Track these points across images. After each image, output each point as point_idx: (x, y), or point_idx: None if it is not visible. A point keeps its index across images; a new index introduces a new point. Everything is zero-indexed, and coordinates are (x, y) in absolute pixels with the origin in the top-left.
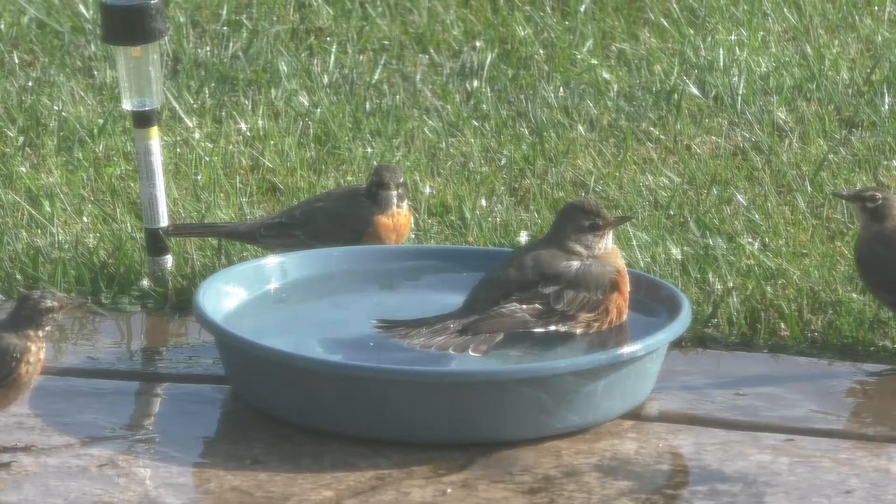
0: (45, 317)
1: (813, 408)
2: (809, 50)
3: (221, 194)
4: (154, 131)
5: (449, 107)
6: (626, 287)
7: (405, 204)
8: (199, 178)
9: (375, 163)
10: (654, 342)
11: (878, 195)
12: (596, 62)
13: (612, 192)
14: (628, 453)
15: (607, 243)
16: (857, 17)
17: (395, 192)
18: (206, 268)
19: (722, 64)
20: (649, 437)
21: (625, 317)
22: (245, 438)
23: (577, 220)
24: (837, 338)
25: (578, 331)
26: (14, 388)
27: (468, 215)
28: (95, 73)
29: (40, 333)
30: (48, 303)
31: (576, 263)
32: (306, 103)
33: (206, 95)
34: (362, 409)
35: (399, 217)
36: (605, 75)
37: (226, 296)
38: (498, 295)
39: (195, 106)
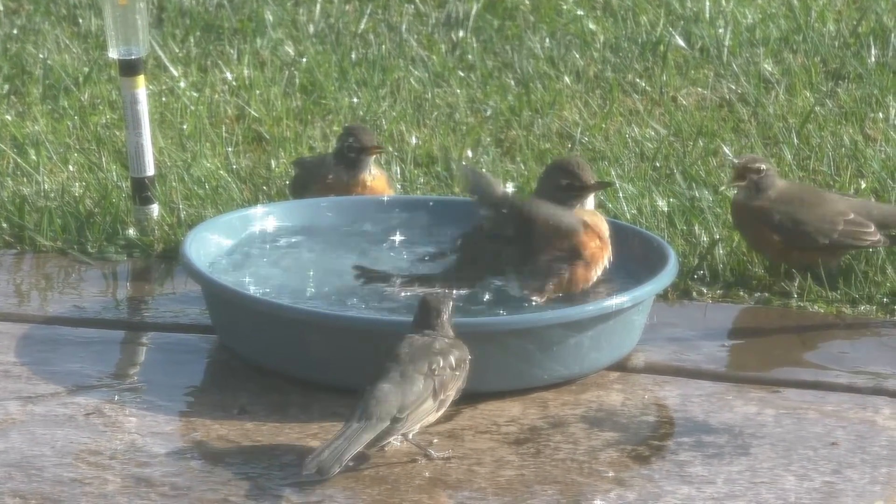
0: None
1: (799, 359)
2: (796, 1)
3: (207, 143)
4: (140, 80)
5: (435, 57)
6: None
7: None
8: (184, 127)
9: (361, 112)
10: (640, 293)
11: (763, 167)
12: (582, 13)
13: (599, 143)
14: (614, 405)
15: (584, 205)
16: None
17: (372, 158)
18: (192, 217)
19: (708, 15)
20: (635, 389)
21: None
22: (232, 388)
23: (556, 179)
24: (823, 289)
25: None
26: None
27: (454, 166)
28: (80, 20)
29: None
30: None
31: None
32: (292, 53)
33: (192, 44)
34: (350, 359)
35: (376, 182)
36: (591, 26)
37: (213, 245)
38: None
39: (180, 55)
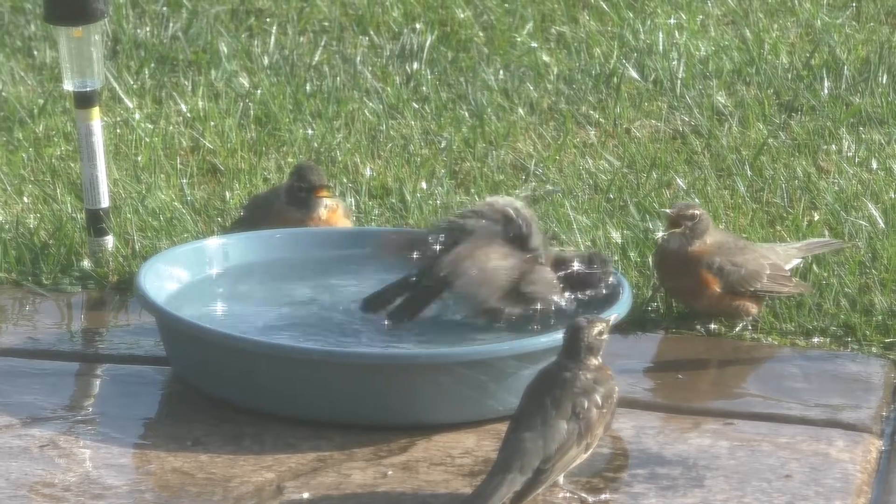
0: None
1: (753, 391)
2: (749, 34)
3: (162, 175)
4: (95, 112)
5: (389, 89)
6: None
7: (332, 202)
8: (139, 158)
9: (316, 144)
10: None
11: (697, 212)
12: (536, 45)
13: (553, 175)
14: None
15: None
16: (796, 2)
17: (325, 198)
18: (146, 248)
19: (661, 47)
20: None
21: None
22: (186, 420)
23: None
24: (777, 321)
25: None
26: None
27: (409, 198)
28: (35, 52)
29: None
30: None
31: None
32: (247, 84)
33: (146, 76)
34: (302, 391)
35: (332, 216)
36: (545, 58)
37: (167, 277)
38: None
39: (135, 87)
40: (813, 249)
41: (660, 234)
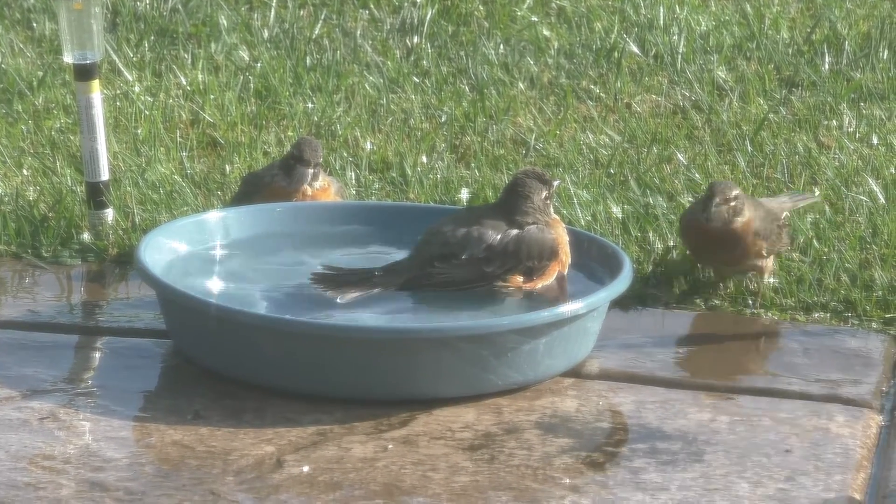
0: None
1: (753, 367)
2: (749, 9)
3: (162, 148)
4: (95, 84)
5: (389, 63)
6: (567, 256)
7: (317, 184)
8: (139, 131)
9: (316, 118)
10: (595, 300)
11: (735, 193)
12: (536, 19)
13: (553, 150)
14: (569, 411)
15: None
16: None
17: (311, 170)
18: (146, 221)
19: (662, 22)
20: (590, 395)
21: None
22: (186, 393)
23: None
24: (777, 296)
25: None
26: None
27: (409, 172)
28: (35, 25)
29: None
30: None
31: (514, 231)
32: (246, 58)
33: (146, 49)
34: (303, 365)
35: (320, 192)
36: (546, 32)
37: (167, 250)
38: (436, 254)
39: (135, 59)
40: (796, 203)
41: (710, 209)
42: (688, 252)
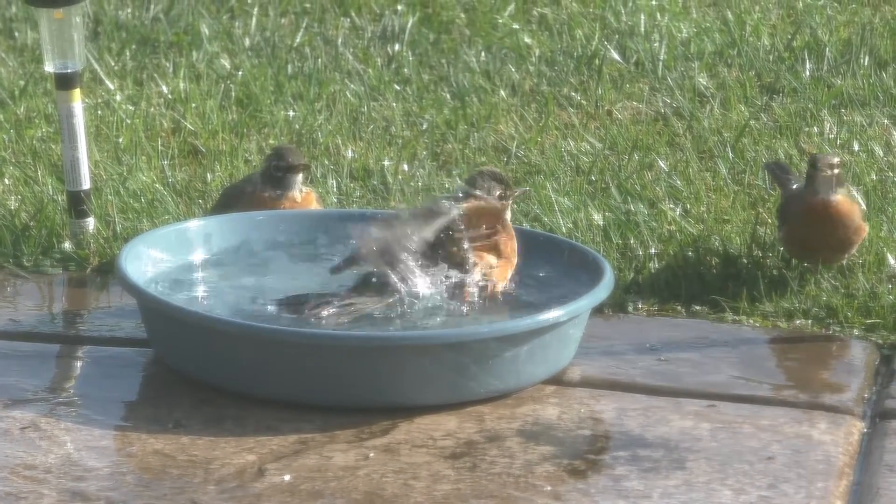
0: None
1: (735, 374)
2: (730, 15)
3: (143, 157)
4: (76, 93)
5: (370, 70)
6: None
7: (304, 190)
8: (120, 140)
9: (297, 126)
10: (576, 307)
11: (837, 160)
12: (517, 26)
13: (534, 157)
14: (550, 418)
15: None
16: None
17: (300, 176)
18: (127, 230)
19: (643, 29)
20: (571, 403)
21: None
22: (167, 402)
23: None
24: (759, 303)
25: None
26: None
27: (390, 180)
28: (16, 34)
29: None
30: None
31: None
32: (228, 66)
33: (127, 58)
34: (284, 373)
35: (305, 199)
36: (527, 40)
37: (148, 259)
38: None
39: (116, 68)
40: None
41: (823, 174)
42: (789, 250)
